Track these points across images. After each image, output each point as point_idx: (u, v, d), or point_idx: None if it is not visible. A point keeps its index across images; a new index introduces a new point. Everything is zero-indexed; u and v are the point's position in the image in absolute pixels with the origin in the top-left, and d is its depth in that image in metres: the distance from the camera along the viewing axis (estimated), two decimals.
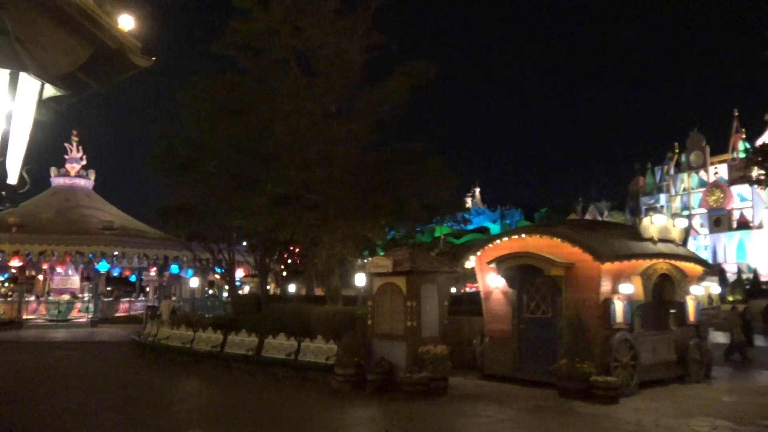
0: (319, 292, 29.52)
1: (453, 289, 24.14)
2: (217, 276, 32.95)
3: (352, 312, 15.60)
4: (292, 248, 32.68)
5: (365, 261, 23.56)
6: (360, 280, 18.70)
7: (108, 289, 46.71)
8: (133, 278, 44.19)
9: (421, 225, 32.20)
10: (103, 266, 32.66)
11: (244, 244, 30.58)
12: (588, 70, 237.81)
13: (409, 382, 12.06)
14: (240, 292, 40.62)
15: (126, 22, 4.35)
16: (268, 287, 32.50)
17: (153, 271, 38.88)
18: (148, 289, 47.02)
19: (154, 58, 4.65)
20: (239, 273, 35.65)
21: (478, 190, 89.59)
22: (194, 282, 35.16)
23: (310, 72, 18.99)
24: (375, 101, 18.65)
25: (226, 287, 34.91)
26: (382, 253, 16.45)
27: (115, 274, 39.57)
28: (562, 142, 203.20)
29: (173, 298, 33.69)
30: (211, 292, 50.18)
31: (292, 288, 38.17)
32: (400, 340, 12.83)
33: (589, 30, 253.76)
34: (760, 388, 13.93)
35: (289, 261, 36.28)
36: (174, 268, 35.20)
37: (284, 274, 38.33)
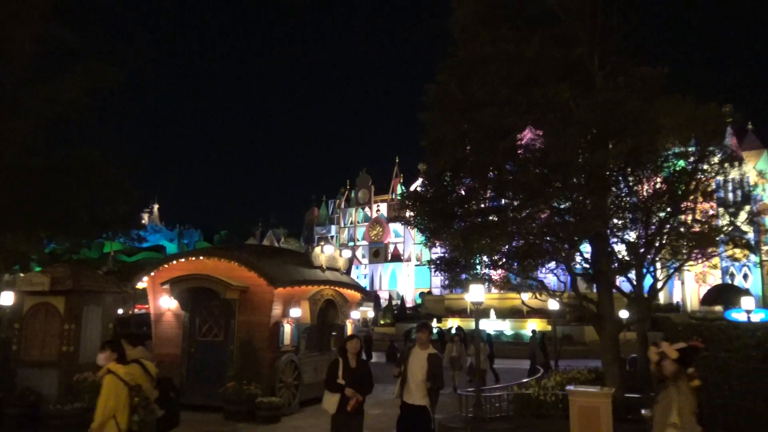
0: None
1: (120, 311, 22.50)
2: None
3: None
4: None
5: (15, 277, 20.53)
6: (6, 298, 16.14)
7: None
8: None
9: (88, 240, 29.39)
10: None
11: None
12: (274, 104, 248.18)
13: (59, 415, 10.80)
14: None
15: None
16: None
17: None
18: None
19: None
20: None
21: (156, 206, 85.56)
22: None
23: None
24: (44, 98, 16.60)
25: None
26: (38, 269, 14.56)
27: None
28: (245, 166, 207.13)
29: None
30: None
31: None
32: (52, 367, 11.45)
33: (277, 70, 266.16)
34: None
35: None
36: None
37: None
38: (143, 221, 61.72)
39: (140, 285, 14.59)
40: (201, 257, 14.17)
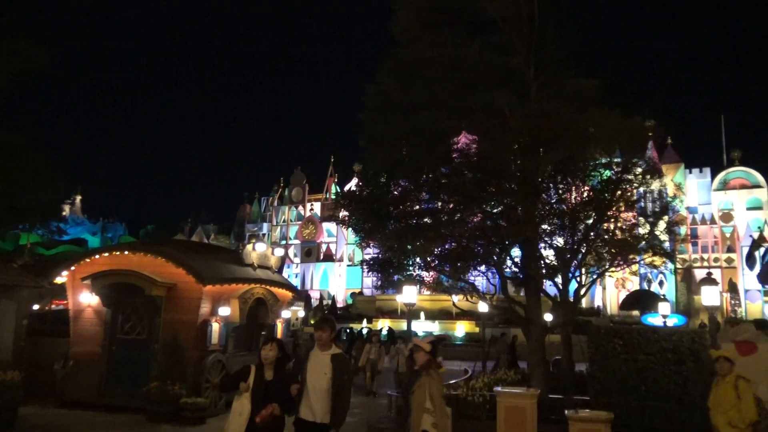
0: None
1: (36, 306, 21.36)
2: None
3: None
4: None
5: None
6: None
7: None
8: None
9: (3, 230, 27.79)
10: None
11: None
12: (207, 97, 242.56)
13: None
14: None
15: None
16: None
17: None
18: None
19: None
20: None
21: (79, 198, 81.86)
22: None
23: None
24: None
25: None
26: None
27: None
28: (173, 160, 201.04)
29: None
30: None
31: None
32: None
33: (211, 62, 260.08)
34: None
35: None
36: None
37: None
38: (64, 213, 58.93)
39: (59, 280, 13.88)
40: (126, 252, 13.62)
